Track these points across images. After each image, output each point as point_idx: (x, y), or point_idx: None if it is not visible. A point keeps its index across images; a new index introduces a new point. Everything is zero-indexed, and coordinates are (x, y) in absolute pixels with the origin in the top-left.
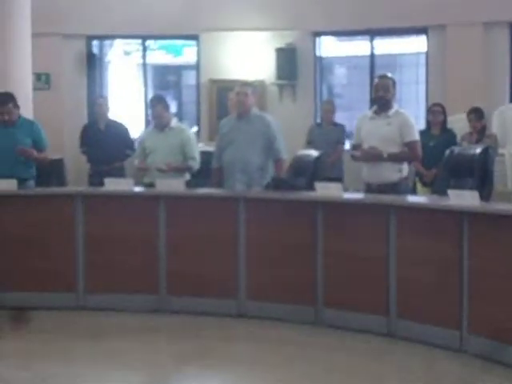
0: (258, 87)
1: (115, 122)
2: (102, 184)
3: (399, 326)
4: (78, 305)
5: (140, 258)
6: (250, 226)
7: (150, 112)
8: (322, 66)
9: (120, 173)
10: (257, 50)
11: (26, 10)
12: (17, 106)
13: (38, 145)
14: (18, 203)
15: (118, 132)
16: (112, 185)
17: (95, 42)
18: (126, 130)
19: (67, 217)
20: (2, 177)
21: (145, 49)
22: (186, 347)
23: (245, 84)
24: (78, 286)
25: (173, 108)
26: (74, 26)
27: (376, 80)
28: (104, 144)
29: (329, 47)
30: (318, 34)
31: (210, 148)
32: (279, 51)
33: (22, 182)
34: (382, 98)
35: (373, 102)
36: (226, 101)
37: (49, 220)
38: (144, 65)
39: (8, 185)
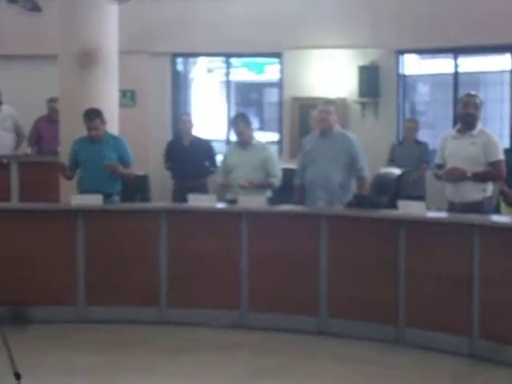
0: (340, 105)
1: (199, 138)
2: (185, 200)
3: (482, 348)
4: (161, 319)
5: (222, 274)
6: (332, 244)
7: (232, 129)
8: (405, 84)
9: (203, 189)
10: (339, 68)
11: (113, 28)
12: (104, 122)
13: (123, 160)
14: (104, 218)
15: (201, 148)
16: (195, 201)
17: (180, 60)
18: (210, 146)
19: (151, 232)
20: (89, 191)
21: (228, 66)
22: (266, 363)
23: (328, 102)
24: (160, 301)
25: (255, 125)
26: (159, 45)
27: (465, 97)
28: (188, 160)
29: (412, 65)
30: (401, 51)
31: (292, 165)
32: (362, 69)
33: (107, 196)
34: (470, 114)
35: (459, 118)
36: (308, 118)
37: (133, 235)
38: (227, 82)
39: (94, 199)
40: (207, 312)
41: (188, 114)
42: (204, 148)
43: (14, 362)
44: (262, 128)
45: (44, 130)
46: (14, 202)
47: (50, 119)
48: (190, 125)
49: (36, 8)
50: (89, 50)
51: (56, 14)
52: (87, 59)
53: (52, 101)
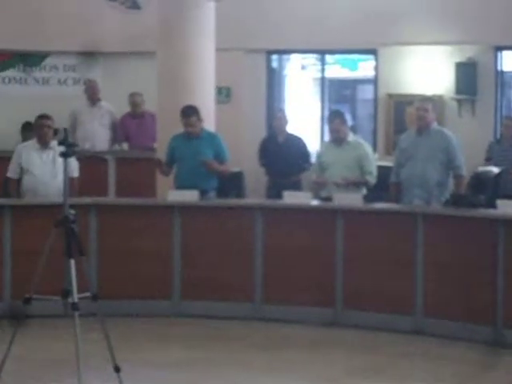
0: (436, 102)
1: (294, 135)
2: (279, 197)
3: None
4: (256, 315)
5: (317, 271)
6: (428, 243)
7: (328, 126)
8: (504, 81)
9: (297, 186)
10: (436, 65)
11: (210, 26)
12: (200, 119)
13: (219, 157)
14: (200, 214)
15: (296, 145)
16: (290, 198)
17: (274, 57)
18: (304, 143)
19: (246, 228)
20: (185, 188)
21: (323, 63)
22: (361, 363)
23: (425, 99)
24: (255, 297)
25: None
26: (255, 42)
27: None
28: (282, 157)
29: (511, 62)
30: (500, 48)
31: (386, 162)
32: (459, 65)
33: (203, 193)
34: None
35: None
36: (404, 115)
37: (228, 231)
38: (322, 79)
39: (190, 195)
40: (302, 309)
41: (282, 111)
42: (298, 145)
43: (113, 355)
44: (355, 125)
45: (130, 126)
46: (111, 198)
47: (133, 114)
48: (284, 122)
49: (135, 6)
50: None
51: (154, 11)
52: None
53: (132, 95)
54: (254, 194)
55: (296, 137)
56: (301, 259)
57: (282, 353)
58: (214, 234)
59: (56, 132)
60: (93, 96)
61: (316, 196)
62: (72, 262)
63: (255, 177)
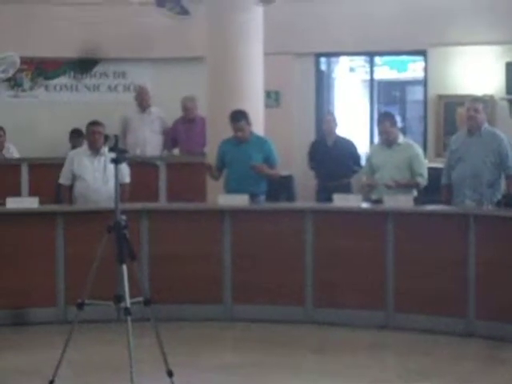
0: (487, 102)
1: (343, 138)
2: (329, 199)
3: None
4: (307, 319)
5: (368, 274)
6: (481, 244)
7: (378, 128)
8: None
9: (347, 189)
10: (486, 65)
11: (258, 30)
12: (249, 124)
13: (269, 161)
14: (250, 218)
15: (345, 148)
16: (341, 200)
17: (323, 60)
18: (354, 146)
19: (297, 231)
20: (235, 191)
21: (372, 65)
22: (413, 365)
23: (476, 99)
24: (306, 300)
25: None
26: (303, 45)
27: None
28: (332, 160)
29: None
30: None
31: (437, 164)
32: (509, 65)
33: (253, 196)
34: None
35: None
36: (454, 116)
37: (279, 234)
38: (371, 81)
39: (240, 199)
40: (353, 312)
41: (332, 114)
42: (348, 147)
43: (166, 359)
44: (404, 126)
45: (180, 131)
46: (162, 203)
47: (184, 119)
48: (333, 124)
49: (184, 11)
50: None
51: (203, 16)
52: None
53: (183, 100)
54: (304, 198)
55: (346, 139)
56: (351, 262)
57: (334, 356)
58: (265, 238)
59: (107, 138)
60: (143, 102)
61: (366, 198)
62: (124, 267)
63: (305, 180)
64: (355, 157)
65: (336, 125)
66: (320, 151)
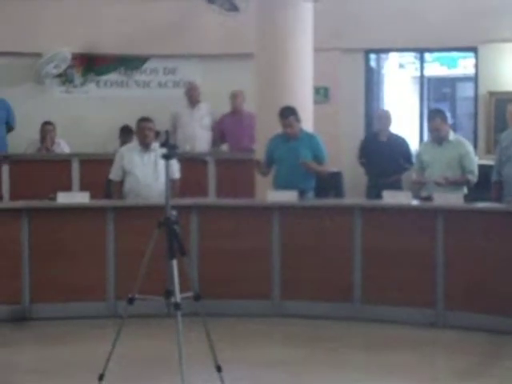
0: None
1: (396, 135)
2: (379, 196)
3: None
4: (355, 315)
5: (417, 271)
6: None
7: (428, 125)
8: None
9: (398, 186)
10: None
11: (308, 26)
12: (298, 120)
13: (317, 157)
14: (298, 214)
15: (398, 145)
16: (390, 198)
17: (372, 56)
18: (407, 144)
19: (345, 228)
20: (284, 188)
21: (422, 61)
22: (463, 364)
23: None
24: (354, 297)
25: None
26: (352, 41)
27: None
28: (384, 157)
29: None
30: None
31: (488, 161)
32: None
33: (302, 193)
34: None
35: None
36: (505, 113)
37: (327, 231)
38: (421, 77)
39: (289, 196)
40: (401, 310)
41: (387, 110)
42: (400, 145)
43: (215, 354)
44: (454, 123)
45: (226, 125)
46: (211, 199)
47: (231, 113)
48: (388, 121)
49: (234, 8)
50: None
51: (252, 13)
52: None
53: (231, 94)
54: (353, 194)
55: (399, 136)
56: (400, 259)
57: (382, 353)
58: (313, 234)
59: (158, 134)
60: (193, 98)
61: (416, 195)
62: (174, 262)
63: (354, 177)
64: (407, 154)
65: (390, 122)
66: (372, 147)
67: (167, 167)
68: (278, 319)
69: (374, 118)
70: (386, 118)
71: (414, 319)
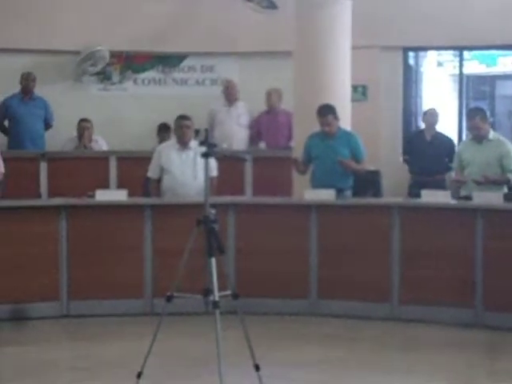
0: None
1: (442, 134)
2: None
3: None
4: (393, 315)
5: (455, 271)
6: None
7: (467, 123)
8: None
9: (440, 185)
10: None
11: (346, 24)
12: (337, 118)
13: (356, 156)
14: (336, 213)
15: (443, 144)
16: (429, 196)
17: (411, 54)
18: (453, 143)
19: (383, 227)
20: (321, 186)
21: (461, 59)
22: (503, 365)
23: None
24: (392, 297)
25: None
26: (391, 38)
27: None
28: (428, 155)
29: None
30: None
31: None
32: None
33: (339, 191)
34: None
35: None
36: None
37: (365, 230)
38: (460, 75)
39: (327, 194)
40: (440, 310)
41: (434, 109)
42: (446, 144)
43: (253, 353)
44: (493, 122)
45: (263, 123)
46: (248, 197)
47: (268, 111)
48: (434, 119)
49: (272, 6)
50: None
51: (290, 10)
52: None
53: (267, 92)
54: (392, 193)
55: (445, 135)
56: (439, 259)
57: (420, 354)
58: (351, 233)
59: (197, 132)
60: (231, 96)
61: (455, 195)
62: (213, 260)
63: (392, 175)
64: (452, 154)
65: (437, 120)
66: (417, 145)
67: (206, 166)
68: (315, 318)
69: (422, 115)
70: (433, 116)
71: (453, 319)
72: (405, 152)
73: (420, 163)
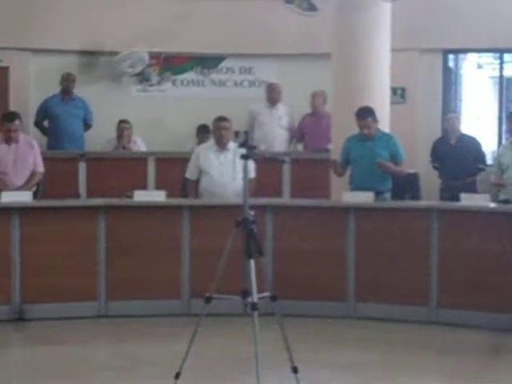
0: None
1: (467, 135)
2: (453, 199)
3: None
4: (430, 319)
5: (494, 275)
6: None
7: (506, 126)
8: None
9: (472, 188)
10: None
11: (386, 26)
12: (376, 120)
13: (395, 158)
14: (374, 215)
15: (470, 146)
16: (468, 200)
17: (450, 56)
18: (479, 143)
19: (421, 230)
20: (360, 189)
21: (501, 62)
22: None
23: None
24: (430, 300)
25: None
26: (431, 41)
27: None
28: (455, 159)
29: None
30: None
31: None
32: None
33: (378, 194)
34: None
35: None
36: None
37: (403, 233)
38: (500, 78)
39: (365, 197)
40: (479, 314)
41: (454, 112)
42: (472, 145)
43: (291, 355)
44: None
45: (307, 126)
46: (286, 199)
47: (312, 114)
48: (456, 122)
49: (312, 8)
50: None
51: (330, 12)
52: None
53: (312, 95)
54: (429, 196)
55: (470, 137)
56: (478, 263)
57: (458, 358)
58: (389, 236)
59: (237, 134)
60: (273, 98)
61: (494, 198)
62: (252, 262)
63: (430, 178)
64: (480, 155)
65: (459, 122)
66: (443, 150)
67: (246, 167)
68: (352, 321)
69: (443, 120)
70: (454, 118)
71: (492, 324)
72: (433, 158)
73: (448, 168)
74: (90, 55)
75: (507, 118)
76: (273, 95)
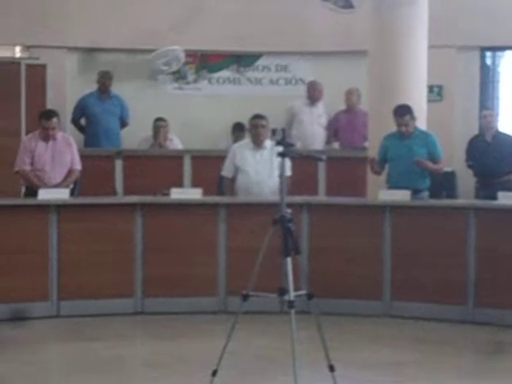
0: None
1: (504, 133)
2: (488, 197)
3: None
4: (467, 318)
5: None
6: None
7: None
8: None
9: (507, 186)
10: None
11: (423, 23)
12: (413, 118)
13: (433, 156)
14: (411, 214)
15: (506, 144)
16: (506, 199)
17: (488, 54)
18: None
19: (459, 229)
20: (398, 187)
21: None
22: None
23: None
24: (467, 300)
25: None
26: (468, 38)
27: None
28: (491, 157)
29: None
30: None
31: None
32: None
33: (416, 192)
34: None
35: None
36: None
37: (440, 232)
38: None
39: (402, 195)
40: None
41: (490, 109)
42: (509, 143)
43: (328, 354)
44: None
45: (341, 122)
46: (322, 197)
47: (346, 110)
48: (492, 119)
49: (348, 5)
50: None
51: (366, 10)
52: None
53: (346, 92)
54: (466, 195)
55: (506, 135)
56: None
57: (495, 358)
58: (425, 235)
59: (274, 132)
60: (314, 96)
61: None
62: (289, 260)
63: (467, 177)
64: None
65: (495, 119)
66: (479, 148)
67: (283, 165)
68: (389, 320)
69: (479, 118)
70: (489, 116)
71: None
72: (468, 157)
73: (483, 166)
74: (126, 53)
75: None
76: (314, 93)
